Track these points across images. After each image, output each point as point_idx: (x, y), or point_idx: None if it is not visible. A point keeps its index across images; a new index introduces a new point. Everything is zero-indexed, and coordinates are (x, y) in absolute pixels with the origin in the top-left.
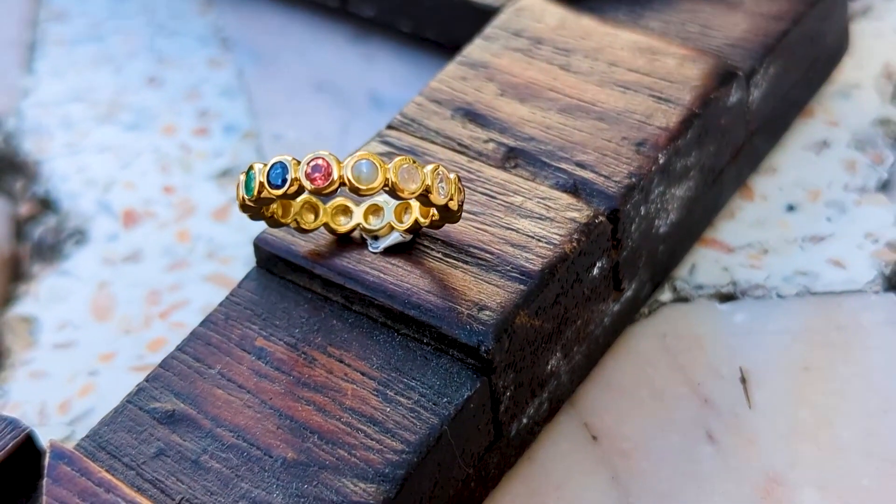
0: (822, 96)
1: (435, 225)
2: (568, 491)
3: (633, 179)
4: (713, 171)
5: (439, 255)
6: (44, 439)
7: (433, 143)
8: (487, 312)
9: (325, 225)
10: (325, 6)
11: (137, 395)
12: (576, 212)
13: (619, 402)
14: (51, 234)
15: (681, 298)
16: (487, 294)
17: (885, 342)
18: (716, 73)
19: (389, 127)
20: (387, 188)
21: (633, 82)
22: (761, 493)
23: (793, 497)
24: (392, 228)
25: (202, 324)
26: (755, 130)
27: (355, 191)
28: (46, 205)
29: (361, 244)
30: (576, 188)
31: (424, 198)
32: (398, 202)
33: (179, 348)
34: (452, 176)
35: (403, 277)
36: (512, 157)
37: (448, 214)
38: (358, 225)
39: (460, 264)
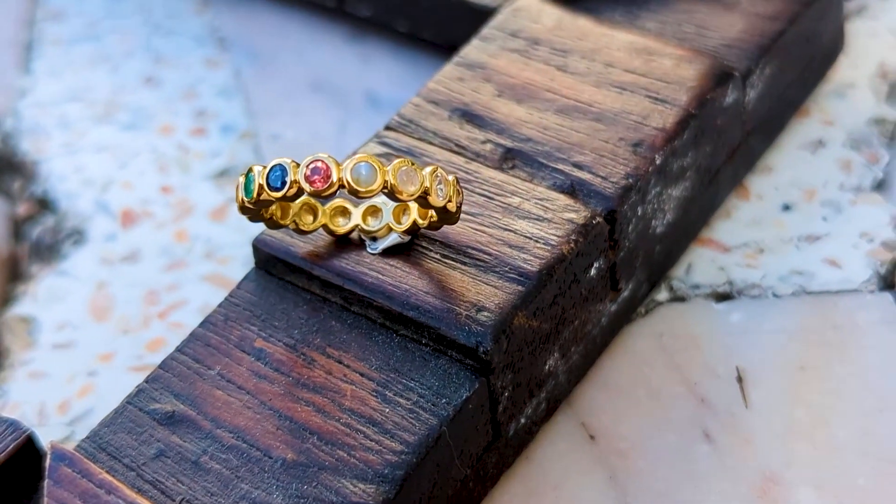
0: (817, 96)
1: (433, 226)
2: (566, 490)
3: (630, 180)
4: (709, 172)
5: (438, 257)
6: (43, 439)
7: (431, 143)
8: (486, 313)
9: (324, 226)
10: (321, 6)
11: (137, 396)
12: (573, 213)
13: (616, 402)
14: (49, 234)
15: (677, 298)
16: (486, 295)
17: (881, 341)
18: (712, 73)
19: (387, 128)
20: (386, 190)
21: (630, 83)
22: (758, 493)
23: (789, 496)
24: (390, 229)
25: (201, 325)
26: (751, 130)
27: (354, 193)
28: (44, 205)
29: (360, 245)
30: (573, 189)
31: (423, 200)
32: (397, 204)
33: (179, 349)
34: (451, 178)
35: (402, 278)
36: (509, 158)
37: (446, 216)
38: (356, 226)
39: (458, 265)
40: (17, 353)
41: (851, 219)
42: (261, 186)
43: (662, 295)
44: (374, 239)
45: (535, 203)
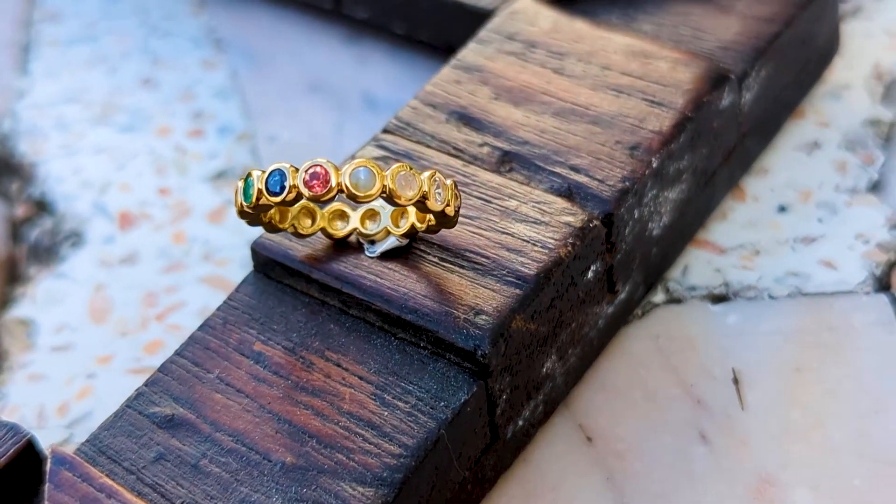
0: (812, 97)
1: (431, 230)
2: (563, 492)
3: (627, 183)
4: (705, 174)
5: (436, 260)
6: (43, 442)
7: (428, 146)
8: (484, 317)
9: (323, 230)
10: (318, 7)
11: (137, 399)
12: (570, 216)
13: (613, 404)
14: (47, 237)
15: (674, 300)
16: (483, 298)
17: (876, 343)
18: (708, 76)
19: (385, 131)
20: (384, 195)
21: (627, 86)
22: (754, 494)
23: (785, 497)
24: (389, 233)
25: (200, 328)
26: (747, 132)
27: (353, 198)
28: (42, 207)
29: (358, 249)
30: (570, 192)
31: (422, 204)
32: (395, 207)
33: (178, 353)
34: (449, 182)
35: (400, 282)
36: (507, 161)
37: (445, 220)
38: (355, 229)
39: (456, 269)
40: (15, 356)
41: (847, 220)
42: (260, 191)
43: (659, 297)
44: (373, 242)
45: (533, 206)
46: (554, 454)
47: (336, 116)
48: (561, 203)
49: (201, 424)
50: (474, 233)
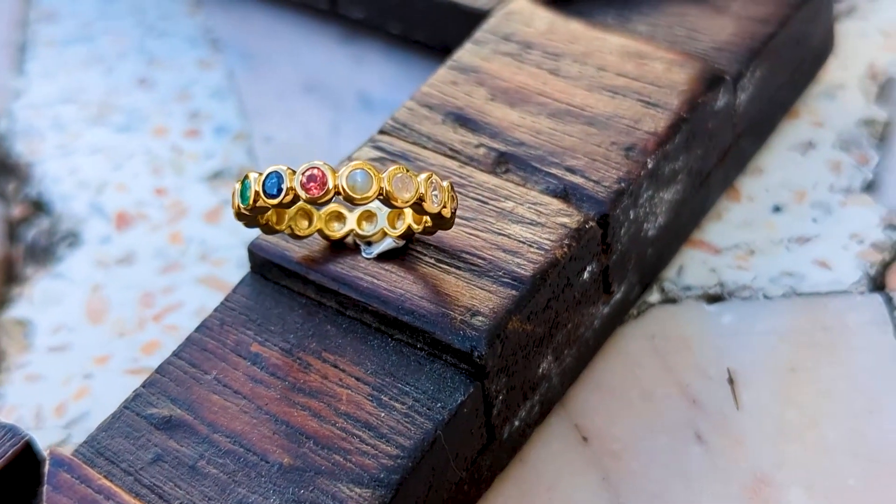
0: (807, 97)
1: (428, 231)
2: (559, 492)
3: (623, 184)
4: (700, 174)
5: (432, 261)
6: (40, 442)
7: (424, 147)
8: (480, 318)
9: (319, 231)
10: (314, 7)
11: (134, 400)
12: (566, 217)
13: (608, 404)
14: (44, 237)
15: (669, 300)
16: (480, 299)
17: (871, 343)
18: (703, 77)
19: (381, 132)
20: (381, 197)
21: (622, 87)
22: (749, 493)
23: (780, 497)
24: (385, 234)
25: (197, 329)
26: (742, 133)
27: (350, 200)
28: (39, 207)
29: (355, 250)
30: (566, 193)
31: (418, 206)
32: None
33: (175, 354)
34: (446, 184)
35: (397, 283)
36: (503, 162)
37: (441, 222)
38: (351, 231)
39: (453, 270)
40: (13, 356)
41: (841, 220)
42: (257, 193)
43: (654, 297)
44: (369, 243)
45: (529, 207)
46: (550, 454)
47: (332, 116)
48: (557, 204)
49: (199, 426)
50: (470, 234)
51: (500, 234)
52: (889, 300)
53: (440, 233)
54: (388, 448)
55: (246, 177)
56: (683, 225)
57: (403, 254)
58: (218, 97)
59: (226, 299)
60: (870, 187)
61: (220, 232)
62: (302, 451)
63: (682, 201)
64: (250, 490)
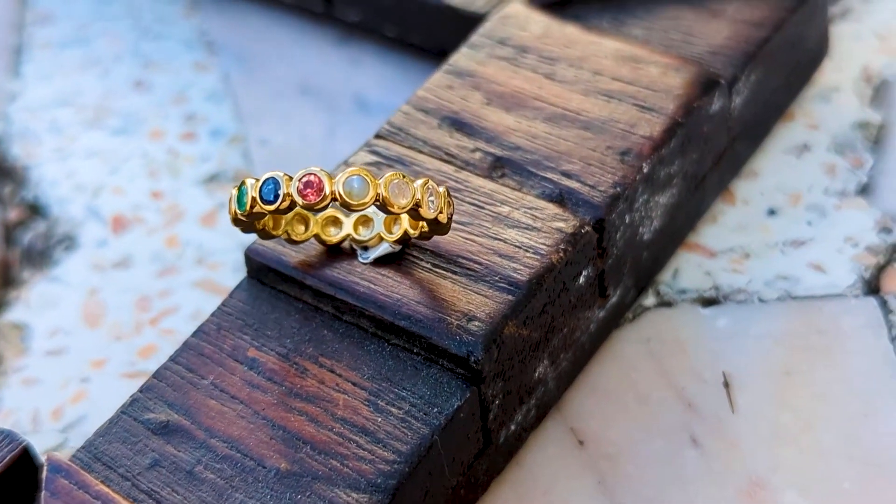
0: (802, 100)
1: (424, 236)
2: (555, 495)
3: (618, 189)
4: (696, 178)
5: (428, 266)
6: (37, 446)
7: (420, 152)
8: (476, 323)
9: (316, 236)
10: (309, 10)
11: (131, 405)
12: (562, 222)
13: (604, 407)
14: (40, 240)
15: (664, 303)
16: (476, 304)
17: (865, 346)
18: (698, 81)
19: (377, 136)
20: (378, 203)
21: (617, 91)
22: (744, 497)
23: (775, 500)
24: (382, 239)
25: (194, 334)
26: (737, 136)
27: (347, 206)
28: (36, 210)
29: (351, 255)
30: (562, 198)
31: (415, 212)
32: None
33: (172, 359)
34: (442, 189)
35: (393, 288)
36: (499, 167)
37: (438, 227)
38: (348, 236)
39: (449, 275)
40: (10, 360)
41: (836, 223)
42: (254, 199)
43: (650, 300)
44: (366, 248)
45: (525, 212)
46: (546, 458)
47: (328, 119)
48: (552, 209)
49: (196, 431)
50: (467, 239)
51: (496, 238)
52: (884, 303)
53: (436, 237)
54: (385, 453)
55: (242, 183)
56: (679, 228)
57: (400, 259)
58: (214, 100)
59: (222, 304)
60: (864, 190)
61: (216, 235)
62: (299, 456)
63: (677, 205)
64: (247, 495)
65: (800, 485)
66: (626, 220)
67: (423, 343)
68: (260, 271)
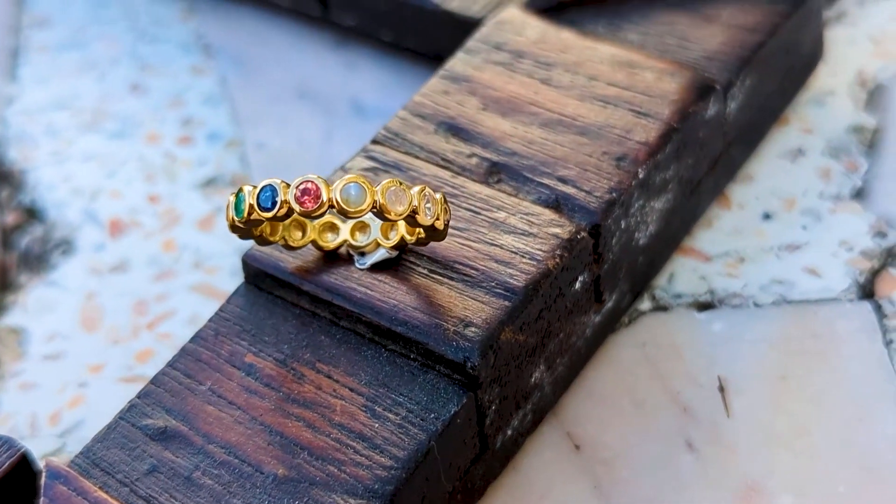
0: (796, 104)
1: (421, 242)
2: (552, 500)
3: (614, 195)
4: (691, 183)
5: (425, 272)
6: (35, 451)
7: (417, 157)
8: (473, 329)
9: (313, 242)
10: (306, 14)
11: (129, 411)
12: (558, 227)
13: (600, 412)
14: (38, 244)
15: (660, 307)
16: (473, 310)
17: (860, 350)
18: (693, 86)
19: (374, 141)
20: (375, 210)
21: (613, 96)
22: (740, 501)
23: None
24: (378, 245)
25: (192, 340)
26: (732, 141)
27: (344, 213)
28: (33, 214)
29: (348, 260)
30: (558, 203)
31: (412, 219)
32: None
33: (170, 364)
34: (438, 196)
35: (390, 294)
36: (495, 172)
37: (434, 233)
38: (345, 241)
39: (446, 280)
40: (7, 365)
41: (831, 227)
42: (251, 206)
43: (645, 304)
44: (363, 254)
45: (521, 218)
46: (542, 462)
47: (324, 123)
48: (549, 214)
49: (194, 436)
50: (463, 244)
51: (492, 244)
52: (878, 308)
53: (433, 243)
54: (382, 459)
55: (240, 190)
56: (674, 233)
57: (397, 264)
58: (210, 103)
59: (220, 310)
60: (859, 194)
61: (213, 239)
62: (296, 462)
63: (672, 210)
64: (245, 501)
65: (795, 489)
66: (622, 226)
67: (420, 349)
68: (257, 277)
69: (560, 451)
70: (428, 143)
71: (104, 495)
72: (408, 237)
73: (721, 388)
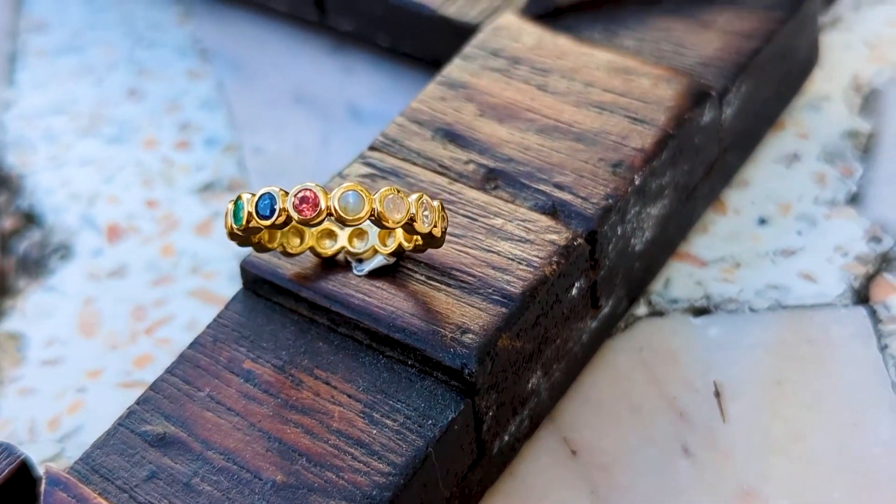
0: (792, 109)
1: (418, 249)
2: None
3: (610, 201)
4: (687, 189)
5: (423, 278)
6: (34, 457)
7: (414, 164)
8: (470, 335)
9: (311, 248)
10: (303, 19)
11: (128, 417)
12: (555, 234)
13: (597, 417)
14: (36, 249)
15: (656, 312)
16: (470, 317)
17: (855, 355)
18: (689, 93)
19: (371, 148)
20: (373, 218)
21: (609, 103)
22: None
23: None
24: (376, 252)
25: (191, 346)
26: (728, 147)
27: (342, 221)
28: (31, 219)
29: (346, 267)
30: (554, 210)
31: (409, 226)
32: None
33: (169, 371)
34: (436, 203)
35: (388, 300)
36: (492, 179)
37: (432, 240)
38: (343, 248)
39: (443, 287)
40: (6, 370)
41: (826, 233)
42: (250, 214)
43: (641, 310)
44: (360, 261)
45: (518, 224)
46: (539, 468)
47: (322, 127)
48: (545, 221)
49: (192, 443)
50: (460, 251)
51: (489, 251)
52: (873, 313)
53: (430, 250)
54: (380, 465)
55: (239, 197)
56: (670, 238)
57: (394, 271)
58: (208, 108)
59: (218, 316)
60: (854, 199)
61: (211, 245)
62: (295, 468)
63: (668, 216)
64: None
65: (791, 494)
66: (619, 232)
67: (418, 355)
68: (255, 283)
69: (557, 457)
70: (425, 150)
71: (104, 502)
72: (405, 244)
73: (717, 394)
